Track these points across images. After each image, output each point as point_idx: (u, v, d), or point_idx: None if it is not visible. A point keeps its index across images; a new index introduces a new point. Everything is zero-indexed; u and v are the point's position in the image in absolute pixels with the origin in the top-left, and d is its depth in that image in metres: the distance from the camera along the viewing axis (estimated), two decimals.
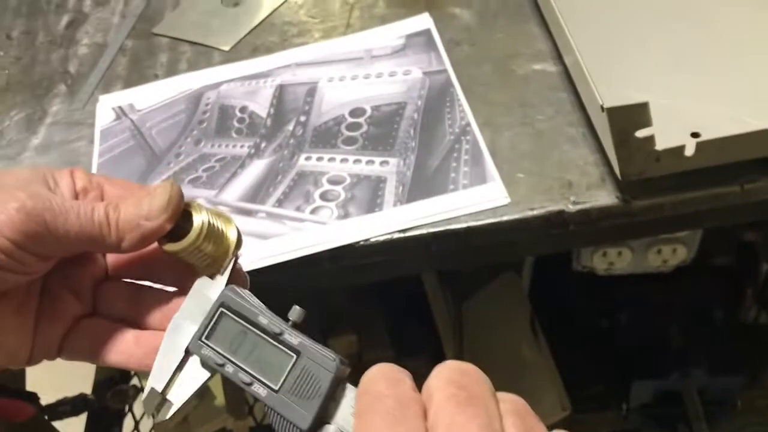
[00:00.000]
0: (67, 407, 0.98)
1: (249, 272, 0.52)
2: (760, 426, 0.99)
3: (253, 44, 0.72)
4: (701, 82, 0.51)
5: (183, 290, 0.40)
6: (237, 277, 0.40)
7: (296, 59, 0.69)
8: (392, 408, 0.30)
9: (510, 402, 0.31)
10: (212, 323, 0.37)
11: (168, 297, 0.42)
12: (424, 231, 0.54)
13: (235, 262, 0.40)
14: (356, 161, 0.59)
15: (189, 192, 0.59)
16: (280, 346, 0.36)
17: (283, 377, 0.35)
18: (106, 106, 0.68)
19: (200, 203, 0.39)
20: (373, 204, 0.56)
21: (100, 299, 0.42)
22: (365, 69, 0.66)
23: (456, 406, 0.30)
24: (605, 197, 0.54)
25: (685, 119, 0.48)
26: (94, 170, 0.62)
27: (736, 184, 0.53)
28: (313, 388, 0.34)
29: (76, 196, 0.39)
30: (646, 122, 0.43)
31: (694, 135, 0.47)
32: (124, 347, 0.41)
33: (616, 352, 0.94)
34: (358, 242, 0.54)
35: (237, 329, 0.37)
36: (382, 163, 0.58)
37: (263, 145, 0.62)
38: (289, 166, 0.60)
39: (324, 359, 0.35)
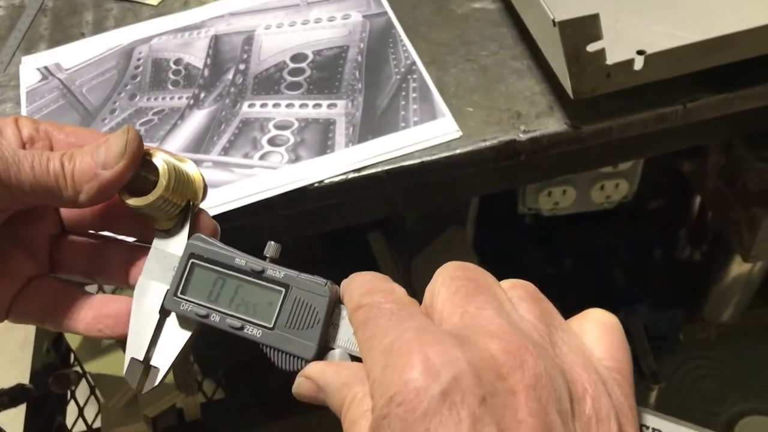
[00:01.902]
0: (4, 398, 0.93)
1: None
2: (703, 359, 1.03)
3: None
4: (640, 3, 0.52)
5: (147, 240, 0.38)
6: (205, 227, 0.38)
7: (230, 9, 0.66)
8: (395, 309, 0.30)
9: (521, 287, 0.31)
10: (185, 276, 0.35)
11: (131, 249, 0.40)
12: (378, 169, 0.53)
13: (194, 209, 0.37)
14: (303, 105, 0.57)
15: None
16: (265, 283, 0.34)
17: (276, 313, 0.34)
18: (30, 67, 0.64)
19: (159, 150, 0.36)
20: (324, 146, 0.54)
21: (57, 257, 0.40)
22: (303, 15, 0.65)
23: (465, 297, 0.29)
24: (554, 124, 0.54)
25: (629, 38, 0.49)
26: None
27: (678, 103, 0.54)
28: (310, 317, 0.33)
29: (23, 146, 0.36)
30: (597, 35, 0.43)
31: (640, 53, 0.48)
32: (74, 310, 0.38)
33: (563, 295, 0.96)
34: (312, 184, 0.52)
35: (213, 277, 0.35)
36: (329, 106, 0.57)
37: (202, 95, 0.60)
38: (232, 115, 0.58)
39: (314, 286, 0.34)
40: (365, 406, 0.28)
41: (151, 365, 0.36)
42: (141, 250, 0.39)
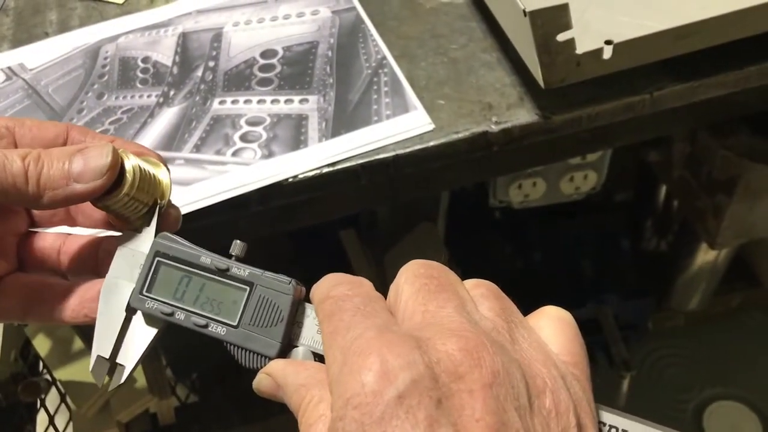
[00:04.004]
0: None
1: None
2: (672, 347, 1.05)
3: None
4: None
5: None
6: (170, 223, 0.38)
7: (197, 6, 0.66)
8: (361, 304, 0.29)
9: (484, 286, 0.31)
10: (151, 274, 0.35)
11: (99, 242, 0.39)
12: (352, 163, 0.53)
13: (161, 208, 0.37)
14: (274, 101, 0.57)
15: None
16: (230, 281, 0.34)
17: (240, 311, 0.34)
18: None
19: (125, 149, 0.36)
20: (297, 141, 0.54)
21: (25, 255, 0.39)
22: (271, 12, 0.65)
23: (427, 294, 0.29)
24: (525, 115, 0.55)
25: (597, 29, 0.50)
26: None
27: (645, 92, 0.55)
28: (273, 315, 0.33)
29: None
30: (567, 25, 0.44)
31: (608, 42, 0.49)
32: (57, 300, 0.38)
33: (533, 288, 0.97)
34: (286, 179, 0.52)
35: (179, 275, 0.35)
36: (301, 101, 0.57)
37: (172, 93, 0.59)
38: (203, 112, 0.57)
39: (278, 284, 0.34)
40: (321, 410, 0.28)
41: (117, 363, 0.36)
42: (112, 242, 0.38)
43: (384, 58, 0.59)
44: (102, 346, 0.36)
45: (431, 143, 0.54)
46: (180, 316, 0.34)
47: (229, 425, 0.97)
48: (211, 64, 0.61)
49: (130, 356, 0.36)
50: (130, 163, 0.35)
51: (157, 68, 0.61)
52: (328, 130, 0.55)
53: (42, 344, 0.97)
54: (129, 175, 0.35)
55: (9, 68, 0.62)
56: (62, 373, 0.95)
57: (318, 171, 0.53)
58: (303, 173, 0.52)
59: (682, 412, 1.02)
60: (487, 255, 1.02)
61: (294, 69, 0.59)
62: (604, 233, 0.98)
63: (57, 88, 0.60)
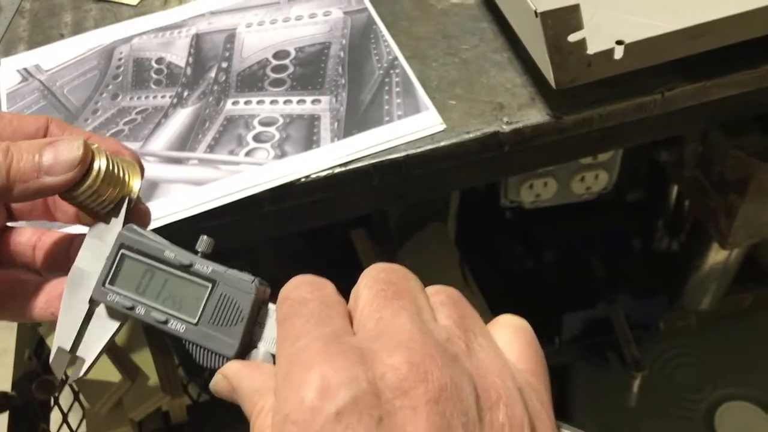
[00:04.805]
0: None
1: (187, 219, 0.51)
2: (683, 347, 1.05)
3: None
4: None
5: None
6: (139, 217, 0.38)
7: (210, 8, 0.66)
8: (316, 310, 0.29)
9: (444, 293, 0.30)
10: (114, 267, 0.35)
11: (72, 240, 0.40)
12: (363, 163, 0.53)
13: (131, 202, 0.37)
14: (287, 102, 0.58)
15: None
16: (192, 277, 0.34)
17: (201, 309, 0.33)
18: (9, 69, 0.63)
19: (99, 146, 0.36)
20: (309, 141, 0.55)
21: (2, 248, 0.40)
22: (283, 13, 0.65)
23: (383, 301, 0.29)
24: (536, 115, 0.55)
25: (608, 29, 0.50)
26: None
27: (657, 92, 0.55)
28: (234, 315, 0.33)
29: None
30: (578, 25, 0.44)
31: (619, 43, 0.49)
32: (27, 298, 0.38)
33: (544, 288, 0.97)
34: (298, 179, 0.53)
35: (142, 269, 0.35)
36: (313, 102, 0.57)
37: (185, 93, 0.60)
38: (216, 112, 0.58)
39: (241, 282, 0.33)
40: (270, 420, 0.27)
41: (77, 356, 0.36)
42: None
43: (395, 58, 0.60)
44: (64, 337, 0.36)
45: (442, 143, 0.54)
46: (141, 310, 0.34)
47: (240, 424, 0.98)
48: (225, 65, 0.61)
49: (91, 349, 0.36)
50: (100, 157, 0.35)
51: (170, 69, 0.62)
52: (340, 130, 0.55)
53: None
54: (95, 169, 0.35)
55: (25, 69, 0.63)
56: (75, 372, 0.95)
57: (330, 171, 0.53)
58: (315, 173, 0.53)
59: (694, 412, 1.02)
60: (498, 255, 1.03)
61: (306, 70, 0.60)
62: (615, 233, 0.98)
63: (72, 89, 0.61)
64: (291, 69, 0.60)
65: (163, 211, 0.51)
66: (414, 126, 0.55)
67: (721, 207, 0.74)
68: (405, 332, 0.27)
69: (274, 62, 0.61)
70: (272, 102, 0.58)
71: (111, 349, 0.92)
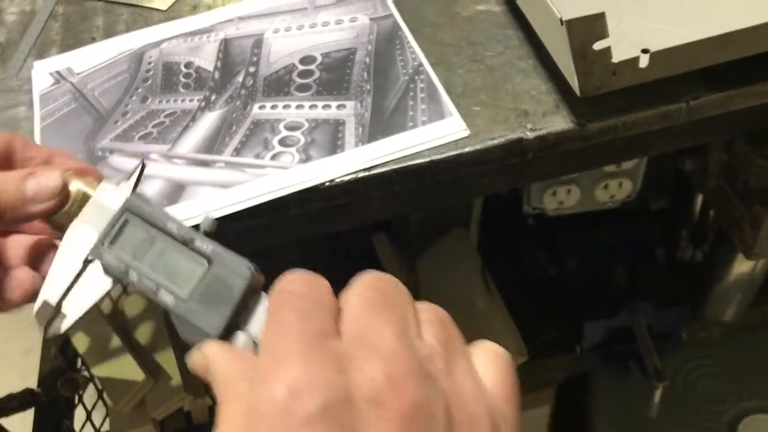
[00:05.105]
0: (13, 403, 0.93)
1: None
2: (706, 357, 1.04)
3: (191, 2, 0.70)
4: (643, 3, 0.53)
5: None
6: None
7: (238, 13, 0.67)
8: (309, 307, 0.29)
9: (432, 311, 0.31)
10: (117, 228, 0.36)
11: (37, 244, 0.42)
12: (387, 168, 0.54)
13: (142, 170, 0.39)
14: (312, 106, 0.58)
15: (141, 148, 0.57)
16: (191, 252, 0.34)
17: (194, 284, 0.34)
18: (42, 72, 0.65)
19: (71, 172, 0.39)
20: (334, 146, 0.55)
21: None
22: (310, 19, 0.66)
23: (372, 308, 0.29)
24: (561, 122, 0.55)
25: (633, 37, 0.50)
26: (37, 135, 0.59)
27: (682, 101, 0.55)
28: (225, 296, 0.33)
29: None
30: (603, 33, 0.44)
31: (644, 51, 0.49)
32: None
33: (566, 296, 0.97)
34: (323, 183, 0.53)
35: (143, 235, 0.35)
36: (338, 107, 0.58)
37: (213, 97, 0.61)
38: (243, 116, 0.59)
39: (238, 266, 0.33)
40: (240, 409, 0.27)
41: (61, 311, 0.36)
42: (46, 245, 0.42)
43: (420, 64, 0.60)
44: (52, 290, 0.36)
45: (466, 149, 0.54)
46: (134, 276, 0.35)
47: None
48: (252, 69, 0.62)
49: (76, 307, 0.36)
50: (74, 184, 0.39)
51: (199, 73, 0.63)
52: (365, 135, 0.56)
53: (81, 341, 0.99)
54: (72, 194, 0.38)
55: (57, 72, 0.64)
56: (99, 370, 0.97)
57: (354, 175, 0.54)
58: (339, 177, 0.53)
59: (716, 424, 1.01)
60: (520, 261, 1.02)
61: (332, 75, 0.61)
62: (638, 242, 0.98)
63: (103, 92, 0.62)
64: (317, 74, 0.61)
65: (190, 212, 0.52)
66: (438, 132, 0.55)
67: (745, 217, 0.74)
68: (387, 344, 0.27)
69: (301, 67, 0.62)
70: (298, 107, 0.59)
71: (134, 348, 0.94)
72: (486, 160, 0.55)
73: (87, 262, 0.36)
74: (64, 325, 0.36)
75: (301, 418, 0.24)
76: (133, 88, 0.62)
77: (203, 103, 0.60)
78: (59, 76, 0.64)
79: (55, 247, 0.39)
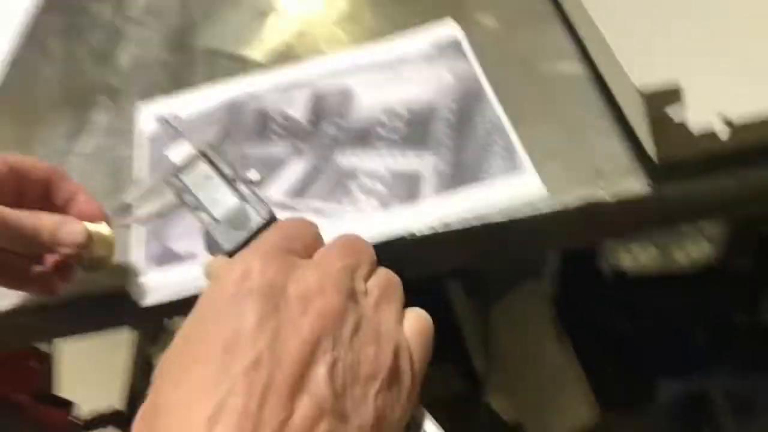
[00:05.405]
0: (100, 422, 0.99)
1: None
2: None
3: (285, 53, 0.75)
4: (727, 66, 0.53)
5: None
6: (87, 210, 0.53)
7: (328, 66, 0.71)
8: (288, 233, 0.39)
9: (385, 274, 0.40)
10: (190, 164, 0.50)
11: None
12: (464, 223, 0.56)
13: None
14: (393, 158, 0.61)
15: None
16: (233, 190, 0.47)
17: (225, 211, 0.45)
18: (149, 115, 0.70)
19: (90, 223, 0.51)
20: (413, 197, 0.58)
21: None
22: (396, 74, 0.69)
23: (336, 249, 0.38)
24: (637, 185, 0.56)
25: (712, 105, 0.51)
26: (145, 173, 0.64)
27: (765, 168, 0.55)
28: (244, 225, 0.45)
29: None
30: (681, 103, 0.45)
31: (725, 118, 0.49)
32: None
33: (641, 355, 0.96)
34: (398, 235, 0.56)
35: (205, 172, 0.49)
36: (418, 159, 0.61)
37: (302, 146, 0.64)
38: (328, 164, 0.62)
39: (262, 208, 0.45)
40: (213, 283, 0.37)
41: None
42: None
43: (499, 121, 0.62)
44: (131, 194, 0.55)
45: (541, 207, 0.56)
46: (188, 198, 0.47)
47: None
48: (339, 120, 0.66)
49: (144, 212, 0.55)
50: (93, 232, 0.51)
51: (290, 122, 0.67)
52: (443, 189, 0.58)
53: None
54: (91, 241, 0.50)
55: (163, 116, 0.70)
56: None
57: (430, 229, 0.56)
58: (416, 230, 0.56)
59: None
60: (595, 317, 1.02)
61: (414, 128, 0.63)
62: (718, 304, 0.96)
63: (201, 136, 0.67)
64: (400, 127, 0.64)
65: None
66: (515, 189, 0.57)
67: None
68: (331, 268, 0.36)
69: (385, 120, 0.65)
70: (380, 157, 0.61)
71: None
72: (561, 220, 0.56)
73: (165, 183, 0.49)
74: (126, 220, 0.53)
75: (244, 290, 0.33)
76: (228, 135, 0.67)
77: (292, 150, 0.64)
78: (164, 121, 0.69)
79: None
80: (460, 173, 0.59)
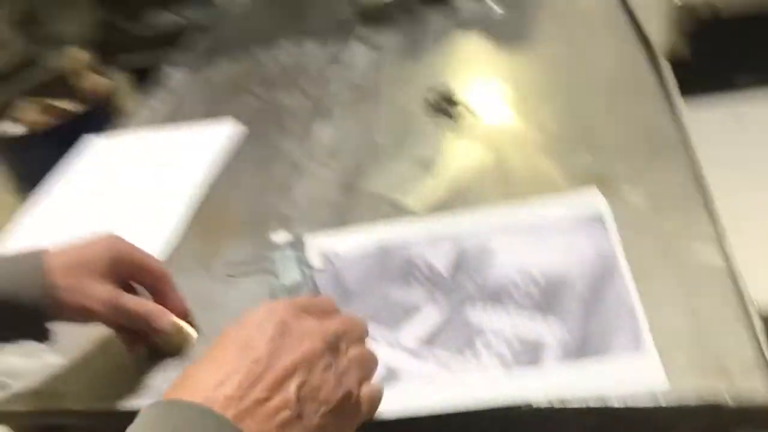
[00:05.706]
0: None
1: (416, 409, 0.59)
2: None
3: (439, 205, 0.81)
4: None
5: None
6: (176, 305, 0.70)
7: (474, 223, 0.77)
8: (307, 301, 0.58)
9: (361, 351, 0.57)
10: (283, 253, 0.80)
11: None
12: (580, 402, 0.57)
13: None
14: (521, 319, 0.64)
15: (369, 328, 0.67)
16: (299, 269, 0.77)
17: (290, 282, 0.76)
18: (315, 250, 0.79)
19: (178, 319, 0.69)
20: (532, 362, 0.60)
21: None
22: (539, 239, 0.73)
23: (339, 318, 0.57)
24: (763, 388, 0.55)
25: None
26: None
27: None
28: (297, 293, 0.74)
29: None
30: None
31: None
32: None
33: None
34: (516, 404, 0.58)
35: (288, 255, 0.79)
36: (545, 326, 0.63)
37: (438, 295, 0.69)
38: (459, 318, 0.66)
39: (296, 260, 0.77)
40: None
41: None
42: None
43: (631, 301, 0.64)
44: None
45: (660, 399, 0.55)
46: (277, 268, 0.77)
47: None
48: (476, 276, 0.70)
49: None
50: (179, 325, 0.69)
51: (432, 271, 0.72)
52: (565, 358, 0.60)
53: None
54: (175, 332, 0.69)
55: (325, 254, 0.78)
56: None
57: (548, 403, 0.57)
58: (534, 401, 0.58)
59: None
60: None
61: (545, 295, 0.66)
62: None
63: (352, 274, 0.74)
64: (533, 292, 0.67)
65: (400, 402, 0.60)
66: (635, 372, 0.58)
67: None
68: (328, 329, 0.54)
69: (519, 282, 0.68)
70: (507, 316, 0.65)
71: None
72: (680, 415, 0.56)
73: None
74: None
75: (268, 319, 0.51)
76: (376, 275, 0.74)
77: (429, 298, 0.69)
78: (326, 258, 0.78)
79: None
80: (584, 346, 0.61)
